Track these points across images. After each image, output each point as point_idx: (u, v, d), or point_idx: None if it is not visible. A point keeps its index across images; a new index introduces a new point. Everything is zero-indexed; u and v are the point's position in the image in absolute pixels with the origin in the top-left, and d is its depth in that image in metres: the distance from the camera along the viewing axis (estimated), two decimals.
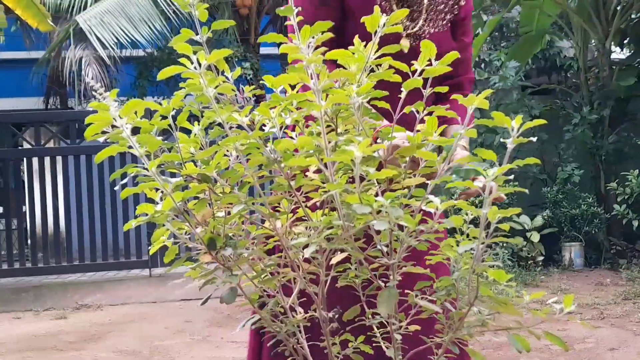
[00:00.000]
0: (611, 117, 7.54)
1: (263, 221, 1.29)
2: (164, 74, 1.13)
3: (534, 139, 1.09)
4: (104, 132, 1.12)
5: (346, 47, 1.17)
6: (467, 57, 1.81)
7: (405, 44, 1.54)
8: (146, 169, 1.09)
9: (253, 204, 1.19)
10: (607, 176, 7.53)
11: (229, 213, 1.23)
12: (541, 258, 6.98)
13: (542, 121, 1.06)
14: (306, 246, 1.13)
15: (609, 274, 6.76)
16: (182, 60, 1.10)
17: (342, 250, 1.24)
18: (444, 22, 1.71)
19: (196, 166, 1.21)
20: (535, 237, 6.99)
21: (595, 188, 7.67)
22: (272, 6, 10.73)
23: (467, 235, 1.19)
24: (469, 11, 1.80)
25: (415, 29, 1.67)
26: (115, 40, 8.99)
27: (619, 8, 7.53)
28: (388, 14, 1.65)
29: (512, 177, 1.07)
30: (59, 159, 7.38)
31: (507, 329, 1.17)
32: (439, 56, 1.69)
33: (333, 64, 1.16)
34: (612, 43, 7.85)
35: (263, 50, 11.36)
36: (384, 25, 1.15)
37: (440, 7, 1.71)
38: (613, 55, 8.23)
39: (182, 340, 4.90)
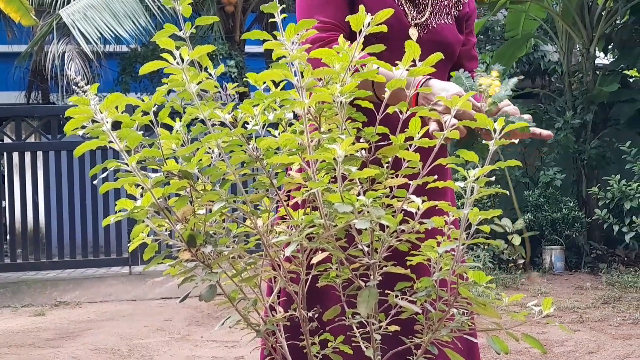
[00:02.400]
0: (594, 122, 7.60)
1: (244, 219, 1.28)
2: (146, 68, 1.12)
3: (516, 141, 1.09)
4: (84, 127, 1.11)
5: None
6: (474, 56, 1.87)
7: (413, 32, 1.57)
8: (127, 164, 1.08)
9: (234, 201, 1.18)
10: (588, 180, 7.59)
11: (209, 210, 1.22)
12: (522, 261, 7.03)
13: (524, 124, 1.06)
14: (287, 245, 1.12)
15: (588, 278, 6.81)
16: (165, 55, 1.09)
17: (323, 250, 1.24)
18: (449, 16, 1.75)
19: (177, 163, 1.20)
20: (516, 240, 7.03)
21: (577, 192, 7.73)
22: (257, 4, 10.71)
23: (448, 237, 1.20)
24: (473, 10, 1.84)
25: (422, 20, 1.70)
26: (99, 35, 8.92)
27: (604, 13, 7.59)
28: (398, 9, 1.64)
29: (493, 178, 1.07)
30: (39, 154, 7.31)
31: (486, 330, 1.18)
32: (446, 45, 1.69)
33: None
34: (597, 48, 7.91)
35: (248, 49, 11.34)
36: (369, 24, 1.15)
37: (445, 2, 1.76)
38: (597, 61, 8.30)
39: (161, 338, 4.87)
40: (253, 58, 11.19)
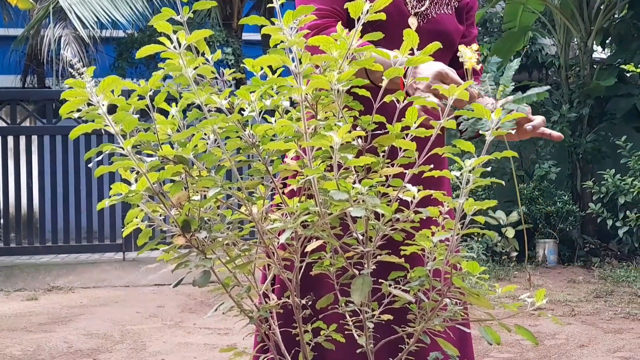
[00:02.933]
0: (590, 116, 7.61)
1: (239, 206, 1.28)
2: (144, 52, 1.11)
3: (513, 131, 1.09)
4: (79, 110, 1.10)
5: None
6: None
7: (413, 22, 1.57)
8: (122, 149, 1.08)
9: (229, 188, 1.17)
10: (583, 174, 7.61)
11: (204, 197, 1.21)
12: (515, 254, 7.05)
13: (521, 114, 1.06)
14: (282, 232, 1.12)
15: (581, 272, 6.84)
16: (162, 39, 1.08)
17: (317, 238, 1.24)
18: (449, 7, 1.74)
19: (173, 148, 1.20)
20: (510, 232, 7.05)
21: (572, 186, 7.75)
22: None
23: (443, 227, 1.20)
24: (474, 2, 1.84)
25: (422, 9, 1.69)
26: (96, 20, 8.87)
27: (602, 7, 7.59)
28: None
29: (489, 169, 1.07)
30: (34, 138, 7.28)
31: (479, 320, 1.18)
32: (445, 35, 1.68)
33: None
34: (594, 42, 7.91)
35: (245, 36, 11.29)
36: (367, 12, 1.15)
37: None
38: (594, 55, 8.30)
39: (153, 325, 4.87)
40: (250, 46, 11.15)
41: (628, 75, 8.20)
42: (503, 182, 1.10)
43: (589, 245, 7.37)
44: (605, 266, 6.81)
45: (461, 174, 1.04)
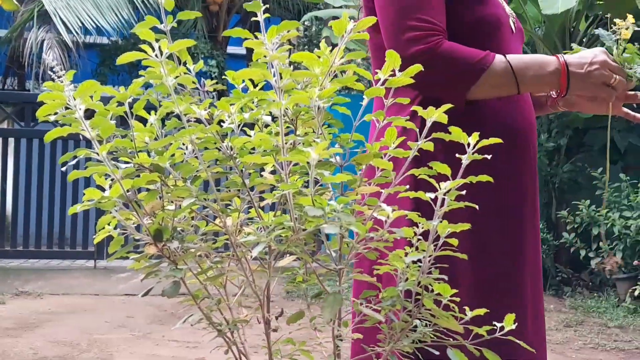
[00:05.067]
0: (568, 147, 7.69)
1: (214, 217, 1.27)
2: (124, 58, 1.11)
3: (489, 157, 1.10)
4: (57, 114, 1.09)
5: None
6: None
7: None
8: (98, 154, 1.07)
9: (205, 199, 1.17)
10: (559, 204, 7.68)
11: (179, 206, 1.21)
12: None
13: (497, 140, 1.07)
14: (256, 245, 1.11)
15: (553, 301, 6.88)
16: (144, 47, 1.08)
17: (291, 254, 1.23)
18: None
19: (150, 157, 1.19)
20: None
21: (547, 214, 7.81)
22: (242, 5, 10.69)
23: (417, 248, 1.20)
24: None
25: (511, 11, 1.71)
26: (80, 25, 8.84)
27: (585, 39, 7.70)
28: (498, 1, 1.64)
29: (464, 192, 1.07)
30: (11, 140, 7.21)
31: (447, 344, 1.18)
32: (523, 33, 1.73)
33: None
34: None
35: (230, 50, 11.32)
36: (351, 31, 1.15)
37: None
38: None
39: (122, 335, 4.82)
40: (235, 59, 11.17)
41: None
42: (476, 206, 1.10)
43: (561, 275, 7.41)
44: (576, 296, 6.86)
45: (435, 196, 1.04)
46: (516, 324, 1.20)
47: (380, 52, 1.57)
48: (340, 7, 7.69)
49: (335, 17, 7.04)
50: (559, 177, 7.52)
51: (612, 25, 1.52)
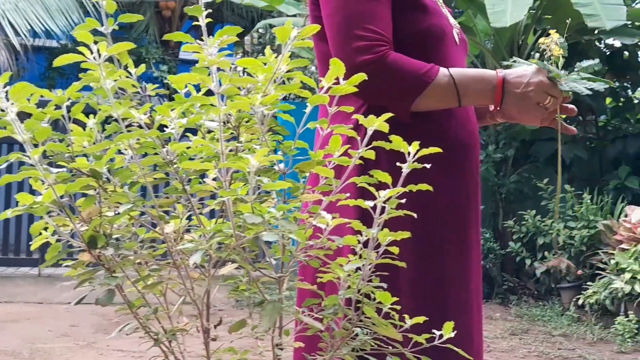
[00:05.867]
0: (515, 158, 7.84)
1: (156, 225, 1.25)
2: (61, 60, 1.09)
3: (428, 166, 1.10)
4: None
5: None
6: None
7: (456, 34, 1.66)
8: (31, 158, 1.04)
9: (144, 205, 1.15)
10: (505, 214, 7.81)
11: (119, 213, 1.18)
12: None
13: (437, 149, 1.08)
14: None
15: (499, 309, 6.98)
16: (82, 49, 1.06)
17: (234, 261, 1.22)
18: None
19: (90, 162, 1.17)
20: None
21: (494, 224, 7.93)
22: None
23: (360, 256, 1.20)
24: None
25: (455, 22, 1.72)
26: (29, 28, 8.65)
27: (532, 53, 7.87)
28: (443, 13, 1.65)
29: (404, 200, 1.08)
30: None
31: (387, 352, 1.18)
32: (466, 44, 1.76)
33: None
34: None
35: (183, 55, 11.21)
36: (295, 37, 1.15)
37: None
38: None
39: (65, 344, 4.71)
40: (187, 64, 11.05)
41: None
42: (415, 215, 1.11)
43: (507, 283, 7.53)
44: (522, 304, 6.97)
45: (375, 204, 1.05)
46: (456, 332, 1.21)
47: (326, 60, 1.57)
48: (294, 15, 7.71)
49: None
50: (505, 188, 7.65)
51: (539, 45, 1.56)
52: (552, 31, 1.54)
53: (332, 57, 1.41)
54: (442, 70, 1.50)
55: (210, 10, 1.08)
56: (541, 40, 1.54)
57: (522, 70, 1.55)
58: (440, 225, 1.54)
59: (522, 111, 1.57)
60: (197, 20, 1.11)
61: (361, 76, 1.20)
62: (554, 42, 1.51)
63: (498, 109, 1.56)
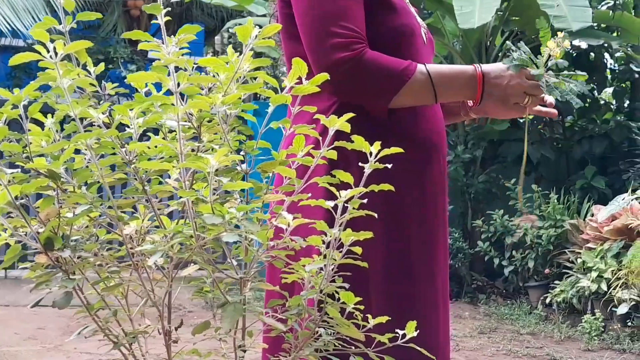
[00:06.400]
0: (483, 158, 7.91)
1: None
2: (17, 59, 1.07)
3: (389, 166, 1.10)
4: None
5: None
6: None
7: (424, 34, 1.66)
8: None
9: (103, 205, 1.13)
10: (474, 213, 7.87)
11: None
12: None
13: (398, 149, 1.08)
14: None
15: (468, 308, 7.03)
16: (37, 47, 1.04)
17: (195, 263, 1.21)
18: None
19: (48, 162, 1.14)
20: None
21: (463, 224, 7.99)
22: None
23: (325, 256, 1.19)
24: None
25: (424, 22, 1.73)
26: None
27: (500, 54, 7.94)
28: (411, 12, 1.65)
29: (365, 200, 1.08)
30: None
31: (350, 352, 1.18)
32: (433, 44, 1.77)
33: None
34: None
35: (152, 55, 11.12)
36: (256, 37, 1.14)
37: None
38: None
39: (32, 347, 4.64)
40: None
41: (521, 120, 8.61)
42: (375, 215, 1.11)
43: (476, 282, 7.59)
44: (490, 303, 7.03)
45: (335, 204, 1.04)
46: (418, 331, 1.21)
47: (290, 60, 1.57)
48: (264, 15, 7.68)
49: (258, 26, 7.01)
50: (474, 188, 7.71)
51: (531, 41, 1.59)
52: (559, 33, 1.55)
53: (302, 55, 1.41)
54: (420, 67, 1.50)
55: (169, 9, 1.07)
56: (549, 44, 1.55)
57: (502, 68, 1.55)
58: (407, 223, 1.54)
59: (500, 108, 1.58)
60: (168, 20, 1.09)
61: (324, 76, 1.19)
62: (557, 45, 1.53)
63: (476, 105, 1.56)
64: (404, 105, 1.53)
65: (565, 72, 1.60)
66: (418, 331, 1.17)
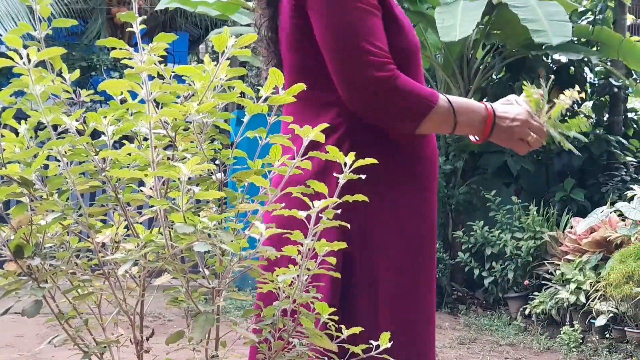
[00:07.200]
0: (464, 170, 7.94)
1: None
2: None
3: (363, 177, 1.11)
4: None
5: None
6: None
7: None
8: None
9: (75, 213, 1.12)
10: (455, 224, 7.89)
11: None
12: None
13: (372, 160, 1.08)
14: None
15: (448, 318, 7.04)
16: (10, 53, 1.03)
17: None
18: None
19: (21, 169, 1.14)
20: None
21: (444, 234, 8.02)
22: (148, 18, 10.53)
23: (301, 267, 1.19)
24: None
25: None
26: None
27: (481, 67, 8.00)
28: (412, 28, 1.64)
29: (339, 211, 1.08)
30: None
31: None
32: None
33: None
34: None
35: (124, 62, 11.08)
36: (232, 46, 1.14)
37: None
38: None
39: (9, 355, 4.58)
40: None
41: None
42: (349, 225, 1.11)
43: (456, 293, 7.61)
44: (470, 314, 7.05)
45: (308, 214, 1.04)
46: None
47: (295, 71, 1.55)
48: (248, 24, 7.69)
49: (241, 35, 7.01)
50: (455, 199, 7.74)
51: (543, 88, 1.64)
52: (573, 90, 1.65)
53: (309, 67, 1.45)
54: (442, 97, 1.52)
55: (144, 17, 1.06)
56: (562, 95, 1.66)
57: (510, 105, 1.60)
58: (418, 239, 1.58)
59: (503, 142, 1.61)
60: (151, 28, 1.09)
61: (300, 86, 1.19)
62: (570, 97, 1.63)
63: (483, 141, 1.60)
64: (426, 132, 1.55)
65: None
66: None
